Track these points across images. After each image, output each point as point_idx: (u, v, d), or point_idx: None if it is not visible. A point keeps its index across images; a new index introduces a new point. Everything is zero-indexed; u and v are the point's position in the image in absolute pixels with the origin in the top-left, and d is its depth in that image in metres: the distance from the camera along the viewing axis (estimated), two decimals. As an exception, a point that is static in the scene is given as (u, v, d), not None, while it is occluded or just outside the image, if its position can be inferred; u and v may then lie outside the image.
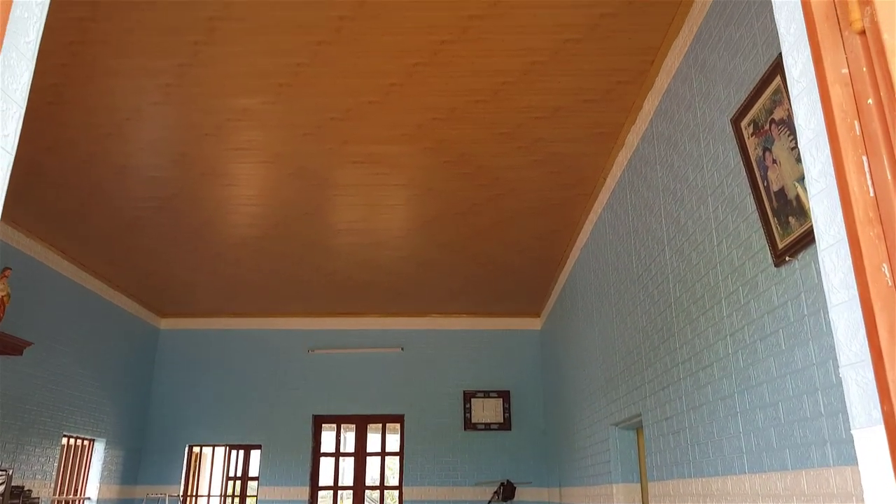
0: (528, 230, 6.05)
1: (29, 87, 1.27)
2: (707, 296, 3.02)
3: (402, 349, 8.77)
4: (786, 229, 2.32)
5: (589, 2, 3.20)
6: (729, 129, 2.76)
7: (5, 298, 5.49)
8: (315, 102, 4.03)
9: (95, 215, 5.70)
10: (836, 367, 1.99)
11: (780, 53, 1.29)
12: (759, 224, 2.51)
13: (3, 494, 5.33)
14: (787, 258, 2.30)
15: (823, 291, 1.80)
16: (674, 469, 3.46)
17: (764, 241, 2.48)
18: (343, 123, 4.26)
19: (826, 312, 2.05)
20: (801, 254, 2.22)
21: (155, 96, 3.94)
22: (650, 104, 3.84)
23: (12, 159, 1.21)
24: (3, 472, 5.40)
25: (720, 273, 2.88)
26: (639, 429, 4.67)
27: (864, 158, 0.96)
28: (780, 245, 2.34)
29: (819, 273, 1.99)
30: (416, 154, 4.69)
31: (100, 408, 7.49)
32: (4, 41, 1.15)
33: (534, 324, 8.85)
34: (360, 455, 8.78)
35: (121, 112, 4.11)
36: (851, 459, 1.90)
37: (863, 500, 1.17)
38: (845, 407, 1.44)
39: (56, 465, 6.68)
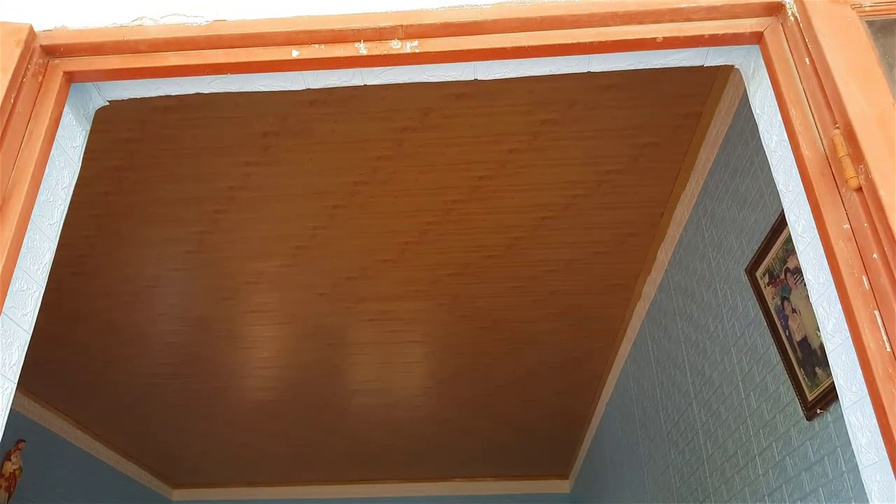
0: (549, 385, 5.90)
1: (50, 267, 1.30)
2: (740, 453, 2.86)
3: (424, 516, 8.28)
4: (813, 381, 2.23)
5: (594, 160, 3.33)
6: (744, 278, 2.75)
7: (17, 472, 5.36)
8: (330, 263, 4.12)
9: (111, 383, 5.68)
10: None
11: (784, 208, 1.30)
12: (785, 375, 2.42)
13: None
14: (818, 411, 2.19)
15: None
16: None
17: (793, 394, 2.38)
18: (358, 282, 4.33)
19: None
20: (833, 406, 2.12)
21: (175, 263, 4.05)
22: (664, 255, 3.88)
23: (29, 337, 1.22)
24: None
25: (751, 428, 2.74)
26: None
27: (877, 313, 0.93)
28: (810, 397, 2.24)
29: (855, 427, 1.88)
30: (431, 310, 4.70)
31: (102, 589, 7.01)
32: (29, 225, 1.20)
33: (562, 486, 8.37)
34: None
35: (142, 280, 4.22)
36: None
37: None
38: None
39: None
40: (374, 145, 3.22)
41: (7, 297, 1.11)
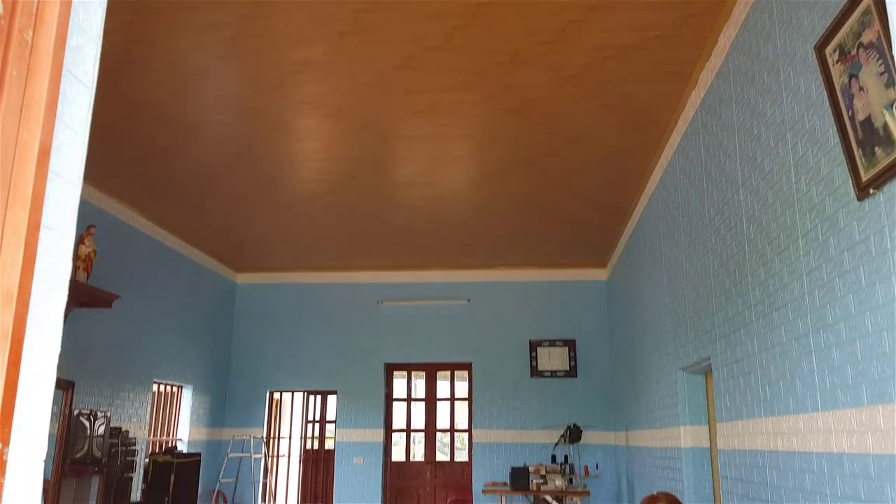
0: (595, 179, 5.92)
1: (103, 20, 1.29)
2: (783, 235, 2.90)
3: (469, 301, 8.85)
4: (870, 161, 2.19)
5: (658, -71, 3.04)
6: (812, 57, 2.60)
7: (91, 254, 5.80)
8: (376, 51, 4.01)
9: (169, 174, 5.92)
10: (923, 302, 1.88)
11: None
12: (841, 157, 2.37)
13: (103, 434, 5.74)
14: (871, 191, 2.18)
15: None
16: (743, 409, 3.40)
17: (846, 175, 2.35)
18: (404, 72, 4.24)
19: (913, 245, 1.94)
20: (887, 186, 2.09)
21: (219, 50, 4.01)
22: (726, 38, 3.65)
23: (93, 95, 1.25)
24: (103, 415, 5.80)
25: (797, 211, 2.75)
26: (707, 373, 4.59)
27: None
28: (864, 177, 2.21)
29: (906, 204, 1.87)
30: (478, 102, 4.63)
31: (185, 357, 7.91)
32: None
33: (600, 274, 8.75)
34: (431, 400, 9.01)
35: (188, 68, 4.21)
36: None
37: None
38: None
39: (149, 409, 7.13)
40: (418, -87, 2.97)
41: (66, 53, 1.13)
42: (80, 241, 5.70)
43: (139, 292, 6.92)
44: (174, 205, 6.74)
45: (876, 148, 2.15)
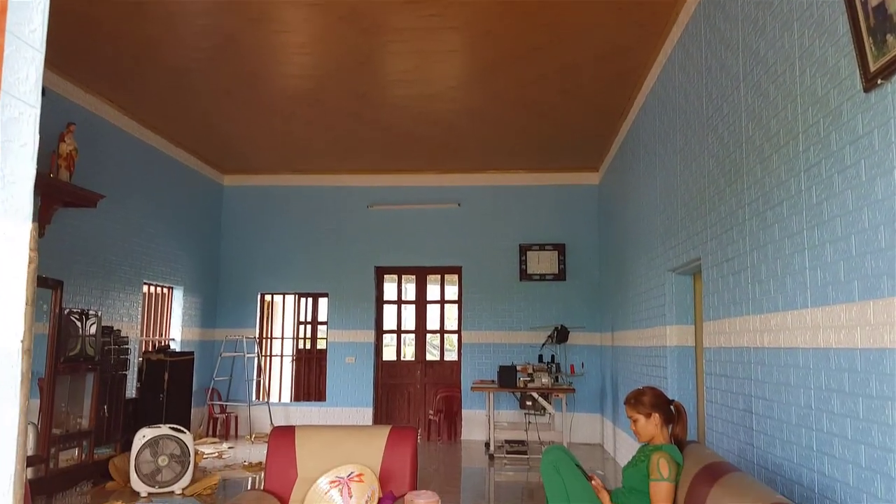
0: (591, 76, 5.74)
1: None
2: (783, 131, 2.83)
3: (459, 205, 8.81)
4: (881, 49, 2.09)
5: None
6: (825, -62, 2.45)
7: (73, 153, 5.63)
8: (363, -68, 3.76)
9: (149, 68, 5.67)
10: (924, 195, 1.85)
11: None
12: (849, 47, 2.28)
13: (95, 334, 5.78)
14: (879, 81, 2.10)
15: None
16: (731, 308, 3.44)
17: (853, 66, 2.26)
18: (394, -44, 3.99)
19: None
20: (896, 76, 2.01)
21: (197, -70, 3.74)
22: (733, -79, 3.44)
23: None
24: (94, 314, 5.82)
25: (800, 106, 2.67)
26: (696, 274, 4.63)
27: None
28: (873, 67, 2.13)
29: (916, 93, 1.80)
30: (471, -9, 4.40)
31: (175, 258, 7.89)
32: None
33: (591, 178, 8.68)
34: (421, 303, 9.13)
35: (164, -50, 3.94)
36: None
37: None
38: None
39: (140, 309, 7.17)
40: None
41: None
42: (60, 138, 5.53)
43: (125, 193, 6.80)
44: (156, 102, 6.52)
45: (888, 35, 2.05)
